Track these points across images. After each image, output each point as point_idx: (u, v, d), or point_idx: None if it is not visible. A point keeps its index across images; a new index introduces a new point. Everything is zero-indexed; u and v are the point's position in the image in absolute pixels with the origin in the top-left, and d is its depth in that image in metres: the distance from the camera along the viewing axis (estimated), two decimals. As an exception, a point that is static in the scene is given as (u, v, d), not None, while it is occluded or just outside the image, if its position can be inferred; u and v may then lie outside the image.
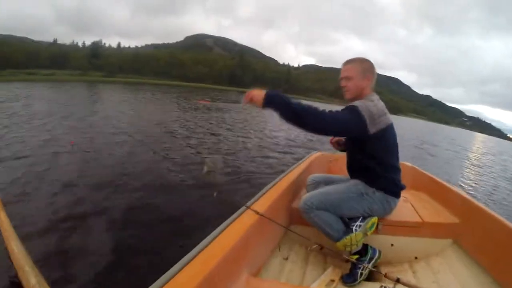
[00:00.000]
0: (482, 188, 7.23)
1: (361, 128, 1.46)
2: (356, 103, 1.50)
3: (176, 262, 0.97)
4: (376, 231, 1.72)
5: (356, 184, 1.68)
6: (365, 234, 1.63)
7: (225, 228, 1.22)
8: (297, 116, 1.30)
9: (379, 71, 1.74)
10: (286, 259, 1.74)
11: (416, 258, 1.87)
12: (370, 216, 1.67)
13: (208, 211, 3.05)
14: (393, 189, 1.69)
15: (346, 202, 1.62)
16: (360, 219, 1.65)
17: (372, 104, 1.52)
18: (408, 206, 2.01)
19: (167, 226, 2.82)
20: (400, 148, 1.72)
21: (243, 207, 1.40)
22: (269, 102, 1.32)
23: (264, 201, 1.58)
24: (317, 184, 1.82)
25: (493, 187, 7.58)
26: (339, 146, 2.16)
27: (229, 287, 1.08)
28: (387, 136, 1.61)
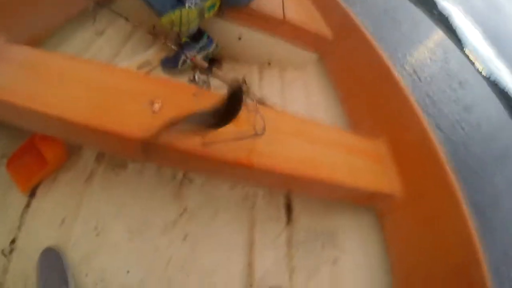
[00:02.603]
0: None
1: None
2: None
3: None
4: (220, 15, 1.39)
5: None
6: (201, 15, 1.29)
7: None
8: None
9: None
10: (101, 34, 1.41)
11: (269, 64, 1.65)
12: None
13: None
14: None
15: None
16: None
17: None
18: (276, 0, 1.63)
19: None
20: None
21: None
22: None
23: None
24: None
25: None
26: None
27: None
28: None
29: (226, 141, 0.74)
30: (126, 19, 1.13)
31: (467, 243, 0.78)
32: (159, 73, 1.37)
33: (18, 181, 0.89)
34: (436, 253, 0.85)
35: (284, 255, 0.99)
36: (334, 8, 1.68)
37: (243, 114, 0.85)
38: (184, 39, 1.34)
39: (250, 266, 0.95)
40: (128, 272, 0.86)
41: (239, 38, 1.53)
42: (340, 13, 1.63)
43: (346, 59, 1.48)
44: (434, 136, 0.96)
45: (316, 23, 1.64)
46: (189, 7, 1.23)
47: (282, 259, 0.99)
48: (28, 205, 0.89)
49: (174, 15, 1.21)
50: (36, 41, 1.09)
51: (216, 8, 1.31)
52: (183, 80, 1.34)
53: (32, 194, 0.91)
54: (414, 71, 7.20)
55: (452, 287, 0.79)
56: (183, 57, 1.33)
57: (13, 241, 0.84)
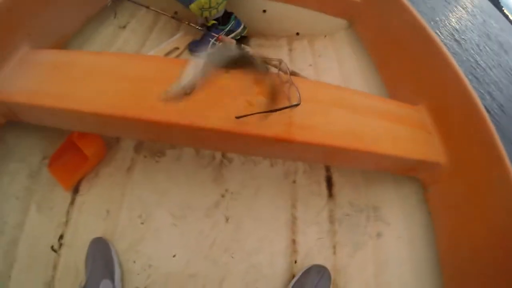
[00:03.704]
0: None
1: None
2: None
3: None
4: None
5: None
6: None
7: None
8: None
9: None
10: (124, 27, 1.42)
11: (298, 34, 1.61)
12: None
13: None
14: None
15: None
16: None
17: None
18: None
19: None
20: None
21: None
22: None
23: None
24: None
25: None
26: None
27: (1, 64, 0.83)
28: None
29: (260, 115, 0.71)
30: (147, 7, 1.11)
31: None
32: (188, 57, 1.36)
33: (61, 179, 0.93)
34: (483, 222, 0.80)
35: (327, 231, 0.98)
36: None
37: (276, 86, 0.82)
38: (211, 22, 1.33)
39: (293, 243, 0.95)
40: (174, 256, 0.88)
41: (264, 11, 1.51)
42: None
43: (377, 23, 1.38)
44: (478, 101, 0.88)
45: None
46: None
47: (325, 234, 0.98)
48: (72, 202, 0.92)
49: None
50: (60, 44, 1.10)
51: None
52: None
53: (75, 190, 0.95)
54: (454, 35, 6.78)
55: (501, 257, 0.73)
56: (212, 41, 1.32)
57: (61, 237, 0.88)
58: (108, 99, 0.75)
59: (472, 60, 6.19)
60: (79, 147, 0.92)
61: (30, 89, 0.78)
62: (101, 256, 0.82)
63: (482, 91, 5.35)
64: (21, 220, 0.87)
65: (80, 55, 0.92)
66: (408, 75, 1.16)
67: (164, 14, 1.13)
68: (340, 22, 1.57)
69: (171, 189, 0.98)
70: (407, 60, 1.17)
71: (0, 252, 0.81)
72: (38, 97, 0.75)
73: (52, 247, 0.86)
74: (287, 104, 0.74)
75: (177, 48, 1.35)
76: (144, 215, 0.92)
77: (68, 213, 0.91)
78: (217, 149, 1.03)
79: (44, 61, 0.86)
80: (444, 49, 1.02)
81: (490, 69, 6.49)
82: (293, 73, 0.97)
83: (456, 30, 7.47)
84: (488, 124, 0.83)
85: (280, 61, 0.87)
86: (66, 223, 0.90)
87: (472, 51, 6.74)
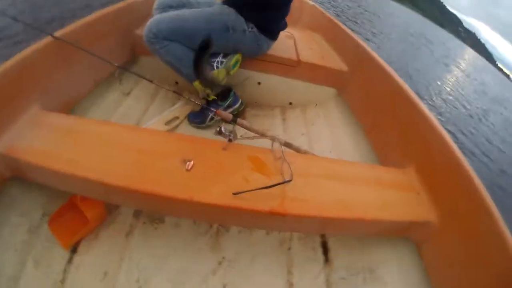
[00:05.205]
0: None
1: None
2: None
3: None
4: (240, 66, 1.51)
5: (223, 13, 1.34)
6: (227, 73, 1.42)
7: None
8: None
9: None
10: (128, 94, 1.55)
11: (290, 104, 1.74)
12: (234, 52, 1.43)
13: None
14: (270, 28, 1.42)
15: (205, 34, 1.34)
16: (222, 55, 1.40)
17: None
18: (289, 43, 1.77)
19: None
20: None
21: (49, 37, 1.09)
22: None
23: (82, 29, 1.24)
24: (168, 8, 1.41)
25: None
26: None
27: (12, 120, 0.92)
28: None
29: (255, 191, 0.78)
30: (151, 81, 1.23)
31: (510, 261, 0.75)
32: (187, 127, 1.48)
33: (60, 238, 0.96)
34: (478, 274, 0.82)
35: None
36: (347, 42, 1.76)
37: (270, 162, 0.90)
38: (212, 97, 1.45)
39: None
40: None
41: (259, 83, 1.64)
42: (353, 46, 1.69)
43: (364, 90, 1.50)
44: (463, 158, 0.95)
45: (330, 59, 1.72)
46: (217, 67, 1.36)
47: None
48: (70, 260, 0.95)
49: None
50: (68, 107, 1.20)
51: (239, 64, 1.44)
52: (210, 132, 1.45)
53: (73, 250, 0.97)
54: (454, 97, 7.09)
55: None
56: (211, 115, 1.44)
57: None
58: (113, 169, 0.82)
59: (474, 118, 6.40)
60: (81, 209, 0.96)
61: (40, 151, 0.84)
62: None
63: (490, 148, 5.45)
64: (17, 273, 0.88)
65: (89, 123, 1.01)
66: (396, 139, 1.24)
67: (165, 88, 1.24)
68: (330, 91, 1.70)
69: (169, 255, 1.01)
70: (394, 125, 1.27)
71: None
72: (48, 160, 0.81)
73: None
74: (280, 180, 0.81)
75: (177, 118, 1.46)
76: (142, 280, 0.95)
77: (65, 271, 0.92)
78: (214, 221, 1.08)
79: (54, 124, 0.94)
80: (428, 112, 1.12)
81: (493, 125, 6.66)
82: (286, 145, 1.06)
83: (455, 92, 7.84)
84: (474, 180, 0.88)
85: (274, 138, 0.96)
86: (63, 281, 0.91)
87: (473, 109, 6.98)
